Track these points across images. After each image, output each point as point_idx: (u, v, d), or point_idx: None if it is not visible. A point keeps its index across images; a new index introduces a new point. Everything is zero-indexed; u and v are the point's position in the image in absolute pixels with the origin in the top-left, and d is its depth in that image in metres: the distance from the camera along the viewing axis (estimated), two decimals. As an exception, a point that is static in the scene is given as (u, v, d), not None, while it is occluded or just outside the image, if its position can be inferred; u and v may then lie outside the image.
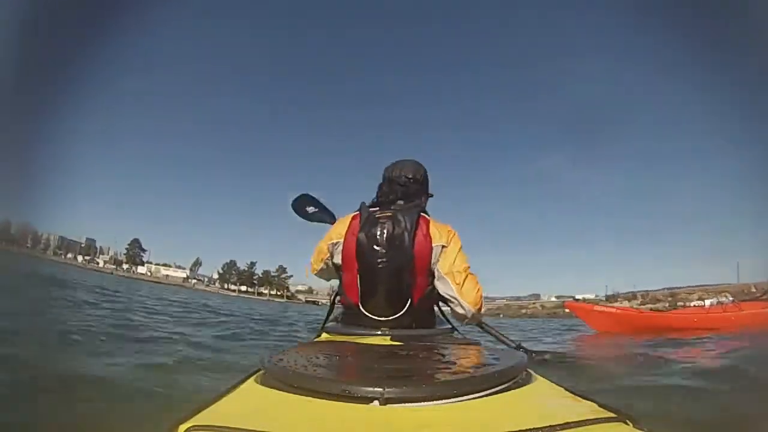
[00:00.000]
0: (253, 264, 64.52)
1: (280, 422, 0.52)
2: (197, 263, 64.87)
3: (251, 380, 0.73)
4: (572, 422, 0.47)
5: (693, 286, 41.54)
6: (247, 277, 63.69)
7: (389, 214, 1.28)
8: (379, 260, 1.22)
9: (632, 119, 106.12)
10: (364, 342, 1.12)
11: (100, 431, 1.26)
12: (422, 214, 1.32)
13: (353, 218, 1.34)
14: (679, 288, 43.80)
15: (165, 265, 63.32)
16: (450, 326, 1.36)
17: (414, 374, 0.73)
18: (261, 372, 0.76)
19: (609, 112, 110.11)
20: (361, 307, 1.26)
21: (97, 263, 56.93)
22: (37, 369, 1.74)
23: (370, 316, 1.25)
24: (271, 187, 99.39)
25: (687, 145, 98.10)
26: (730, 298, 5.69)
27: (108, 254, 61.62)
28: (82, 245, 60.18)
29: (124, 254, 60.44)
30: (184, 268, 63.83)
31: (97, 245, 62.63)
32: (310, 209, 2.03)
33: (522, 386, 0.67)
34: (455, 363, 0.80)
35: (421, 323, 1.29)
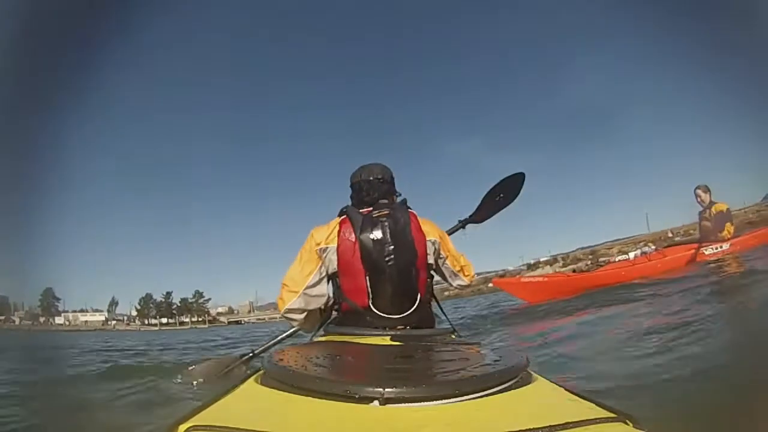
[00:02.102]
0: (169, 294, 60.31)
1: (280, 422, 0.53)
2: (113, 303, 58.67)
3: (251, 380, 0.73)
4: (572, 422, 0.47)
5: (610, 242, 40.95)
6: (165, 308, 59.47)
7: (387, 212, 1.29)
8: (387, 258, 1.23)
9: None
10: (364, 342, 1.12)
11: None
12: (409, 210, 1.37)
13: (341, 223, 1.31)
14: (596, 246, 43.02)
15: (81, 311, 56.99)
16: (450, 326, 1.37)
17: (414, 374, 0.74)
18: (261, 372, 0.77)
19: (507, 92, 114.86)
20: (373, 308, 1.26)
21: (13, 321, 51.92)
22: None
23: (383, 315, 1.25)
24: (174, 209, 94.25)
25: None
26: (653, 247, 5.71)
27: (23, 309, 56.18)
28: (-5, 304, 53.65)
29: (39, 306, 52.56)
30: (101, 311, 58.23)
31: (10, 301, 56.09)
32: None
33: (522, 386, 0.67)
34: (455, 363, 0.80)
35: (426, 319, 1.34)
